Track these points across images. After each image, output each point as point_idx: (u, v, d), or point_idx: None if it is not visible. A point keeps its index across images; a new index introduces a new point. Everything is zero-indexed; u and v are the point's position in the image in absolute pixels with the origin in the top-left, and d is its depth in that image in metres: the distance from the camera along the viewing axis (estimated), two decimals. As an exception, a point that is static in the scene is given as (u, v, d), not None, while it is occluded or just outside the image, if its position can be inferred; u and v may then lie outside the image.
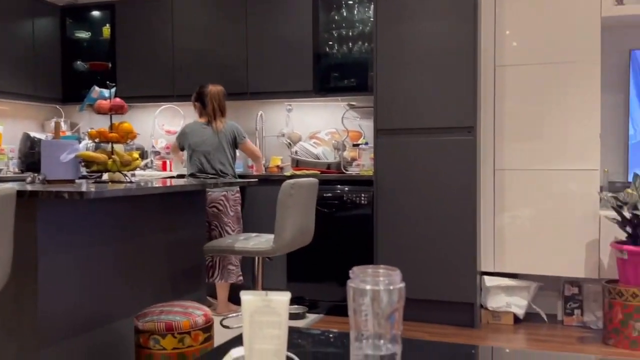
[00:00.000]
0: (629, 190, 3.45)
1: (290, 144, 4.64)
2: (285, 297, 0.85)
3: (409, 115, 3.91)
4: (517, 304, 3.89)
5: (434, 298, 3.84)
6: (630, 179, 3.77)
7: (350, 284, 0.80)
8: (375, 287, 0.78)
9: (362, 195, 4.06)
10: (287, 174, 4.36)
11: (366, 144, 4.46)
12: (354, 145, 4.49)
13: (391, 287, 0.79)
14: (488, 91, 3.96)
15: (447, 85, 3.82)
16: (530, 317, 3.95)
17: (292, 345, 0.97)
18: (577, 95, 3.76)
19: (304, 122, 4.88)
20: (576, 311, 3.87)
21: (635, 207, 3.40)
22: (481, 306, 3.93)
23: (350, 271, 0.80)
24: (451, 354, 1.10)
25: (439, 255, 3.84)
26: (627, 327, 3.36)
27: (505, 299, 3.90)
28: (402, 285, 0.80)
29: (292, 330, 1.02)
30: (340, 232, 4.10)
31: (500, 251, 3.95)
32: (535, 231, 3.86)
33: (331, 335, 1.15)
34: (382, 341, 0.79)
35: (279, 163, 4.74)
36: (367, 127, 4.51)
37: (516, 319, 3.90)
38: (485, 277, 3.94)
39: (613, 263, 3.61)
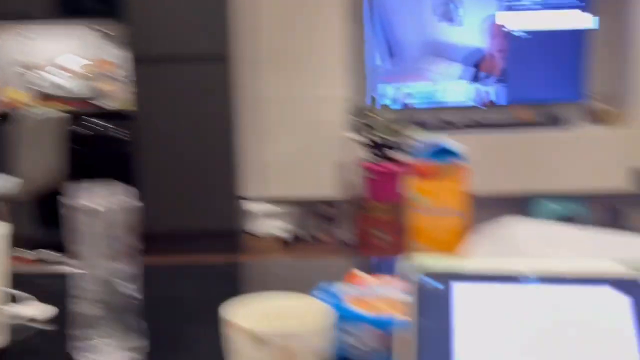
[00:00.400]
0: (370, 114, 3.79)
1: (30, 74, 4.14)
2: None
3: (164, 44, 3.75)
4: (281, 228, 4.09)
5: (198, 228, 3.86)
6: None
7: (63, 202, 0.72)
8: (93, 204, 0.72)
9: (117, 129, 3.83)
10: (31, 108, 3.90)
11: (121, 74, 4.18)
12: (108, 76, 4.18)
13: (111, 205, 0.73)
14: (244, 20, 3.95)
15: (199, 12, 3.72)
16: (294, 239, 4.20)
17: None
18: (324, 25, 3.95)
19: (48, 50, 4.38)
20: (333, 229, 4.21)
21: (376, 129, 3.75)
22: (246, 232, 4.06)
23: (61, 193, 0.72)
24: (206, 272, 1.09)
25: (200, 185, 3.83)
26: (372, 236, 3.77)
27: (270, 223, 4.08)
28: (129, 201, 0.74)
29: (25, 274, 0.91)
30: (99, 170, 3.84)
31: (262, 178, 4.08)
32: (294, 157, 4.06)
33: (67, 272, 1.06)
34: (114, 263, 0.74)
35: (21, 97, 4.21)
36: (122, 56, 4.21)
37: (281, 242, 4.11)
38: (250, 204, 4.06)
39: (361, 182, 3.97)
